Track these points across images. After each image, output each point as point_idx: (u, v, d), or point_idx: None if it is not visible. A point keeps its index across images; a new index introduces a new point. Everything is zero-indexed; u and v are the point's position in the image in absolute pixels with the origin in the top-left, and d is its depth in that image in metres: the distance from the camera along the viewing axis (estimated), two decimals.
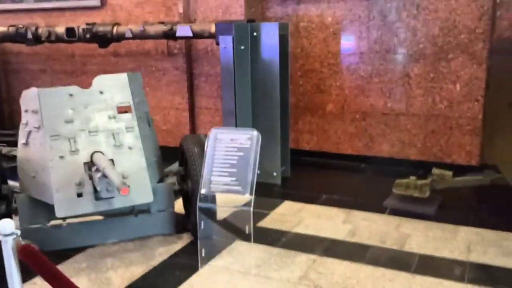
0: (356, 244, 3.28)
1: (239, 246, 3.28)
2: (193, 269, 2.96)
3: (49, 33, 5.31)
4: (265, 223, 3.68)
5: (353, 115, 5.13)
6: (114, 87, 3.26)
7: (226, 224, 3.59)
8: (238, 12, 5.14)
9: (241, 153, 2.08)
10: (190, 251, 3.19)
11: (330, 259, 3.06)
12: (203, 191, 2.14)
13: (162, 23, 4.96)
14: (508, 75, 4.28)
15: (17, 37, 5.45)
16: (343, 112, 5.16)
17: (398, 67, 4.82)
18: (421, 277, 2.82)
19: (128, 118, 3.22)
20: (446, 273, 2.86)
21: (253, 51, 4.42)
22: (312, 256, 3.10)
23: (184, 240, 3.36)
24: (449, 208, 3.89)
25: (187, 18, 5.37)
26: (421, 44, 4.68)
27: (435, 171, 3.93)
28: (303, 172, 5.01)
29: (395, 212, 3.81)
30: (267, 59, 4.40)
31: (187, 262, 3.06)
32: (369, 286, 2.75)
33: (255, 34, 4.38)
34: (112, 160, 3.02)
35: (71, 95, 3.12)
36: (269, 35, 4.33)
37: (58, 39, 5.36)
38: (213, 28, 4.60)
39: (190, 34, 4.73)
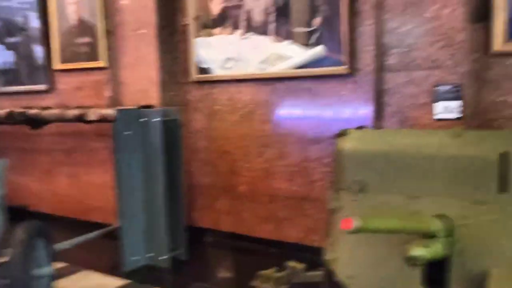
0: None
1: None
2: None
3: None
4: None
5: (262, 198, 5.04)
6: None
7: None
8: (154, 96, 5.37)
9: None
10: None
11: None
12: None
13: (80, 107, 5.28)
14: None
15: None
16: (254, 194, 5.09)
17: (298, 149, 4.76)
18: None
19: None
20: None
21: (144, 135, 4.57)
22: None
23: None
24: None
25: (116, 102, 5.67)
26: None
27: (290, 263, 3.70)
28: (207, 256, 4.92)
29: None
30: (154, 142, 4.52)
31: None
32: None
33: (144, 119, 4.55)
34: None
35: None
36: (153, 120, 4.48)
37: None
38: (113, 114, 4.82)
39: (97, 119, 4.98)
